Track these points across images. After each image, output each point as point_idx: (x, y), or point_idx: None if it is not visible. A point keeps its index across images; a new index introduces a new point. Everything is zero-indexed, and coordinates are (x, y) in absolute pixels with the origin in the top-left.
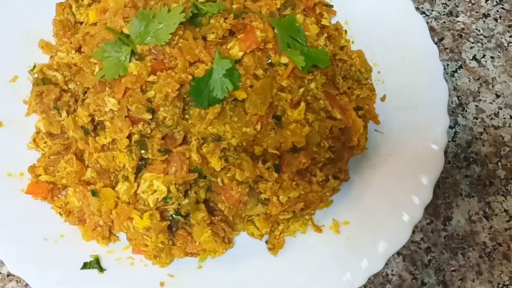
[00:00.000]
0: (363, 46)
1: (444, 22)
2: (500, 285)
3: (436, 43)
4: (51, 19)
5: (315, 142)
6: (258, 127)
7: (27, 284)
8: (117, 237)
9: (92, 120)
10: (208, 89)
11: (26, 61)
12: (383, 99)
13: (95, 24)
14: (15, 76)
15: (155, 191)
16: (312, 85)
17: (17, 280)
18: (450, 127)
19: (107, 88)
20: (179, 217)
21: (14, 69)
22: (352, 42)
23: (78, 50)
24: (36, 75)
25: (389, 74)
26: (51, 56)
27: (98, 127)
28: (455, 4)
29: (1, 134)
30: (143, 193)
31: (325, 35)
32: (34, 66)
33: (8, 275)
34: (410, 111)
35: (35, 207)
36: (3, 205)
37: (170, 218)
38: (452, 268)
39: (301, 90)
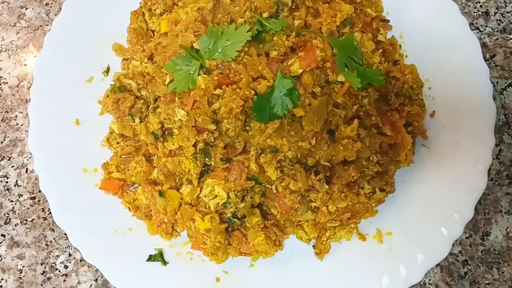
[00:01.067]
0: (416, 61)
1: (497, 39)
2: None
3: (487, 60)
4: (122, 22)
5: (365, 157)
6: (313, 141)
7: (98, 270)
8: (178, 233)
9: (162, 126)
10: (269, 106)
11: (100, 62)
12: (432, 115)
13: (166, 33)
14: (91, 77)
15: (216, 196)
16: (365, 101)
17: (88, 265)
18: (496, 144)
19: (176, 99)
20: (235, 219)
21: (89, 70)
22: (406, 56)
23: (150, 58)
24: (113, 83)
25: (440, 91)
26: (124, 59)
27: (167, 133)
28: (509, 21)
29: (78, 132)
30: (205, 197)
31: (380, 50)
32: (108, 68)
33: (81, 260)
34: (458, 128)
35: (106, 201)
36: (80, 198)
37: (228, 220)
38: (487, 281)
39: (355, 107)
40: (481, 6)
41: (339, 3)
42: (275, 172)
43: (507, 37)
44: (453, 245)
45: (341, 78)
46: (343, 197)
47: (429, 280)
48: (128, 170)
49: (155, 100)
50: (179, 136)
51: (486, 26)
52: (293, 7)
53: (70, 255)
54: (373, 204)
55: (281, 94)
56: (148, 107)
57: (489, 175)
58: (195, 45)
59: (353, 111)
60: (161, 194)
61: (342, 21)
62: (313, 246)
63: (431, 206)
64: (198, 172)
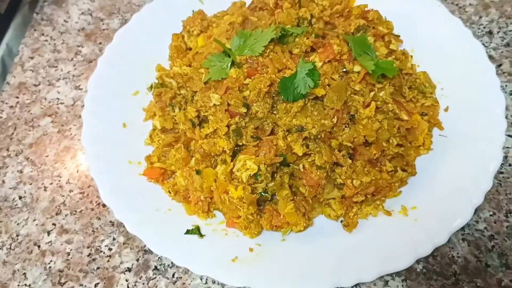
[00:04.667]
0: (428, 69)
1: (502, 52)
2: None
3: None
4: (166, 48)
5: (385, 138)
6: (335, 120)
7: (139, 251)
8: (213, 214)
9: (198, 116)
10: (293, 87)
11: (145, 80)
12: (446, 109)
13: (202, 47)
14: (137, 91)
15: (248, 169)
16: (382, 93)
17: (131, 247)
18: (510, 135)
19: (212, 88)
20: (266, 194)
21: (136, 86)
22: (418, 66)
23: (189, 66)
24: (156, 81)
25: (452, 90)
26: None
27: (202, 123)
28: None
29: (124, 132)
30: (238, 171)
31: (393, 56)
32: (151, 85)
33: (124, 243)
34: (472, 118)
35: (148, 186)
36: (124, 182)
37: (259, 194)
38: None
39: (372, 93)
40: (484, 27)
41: (353, 20)
42: (301, 148)
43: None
44: (477, 222)
45: (357, 68)
46: (366, 172)
47: (457, 253)
48: (168, 160)
49: (192, 97)
50: (213, 120)
51: (491, 43)
52: (312, 22)
53: (114, 239)
54: (396, 184)
55: (303, 75)
56: (186, 102)
57: (507, 161)
58: (227, 45)
59: (370, 98)
60: (198, 172)
61: (356, 28)
62: (341, 221)
63: (453, 182)
64: (232, 148)
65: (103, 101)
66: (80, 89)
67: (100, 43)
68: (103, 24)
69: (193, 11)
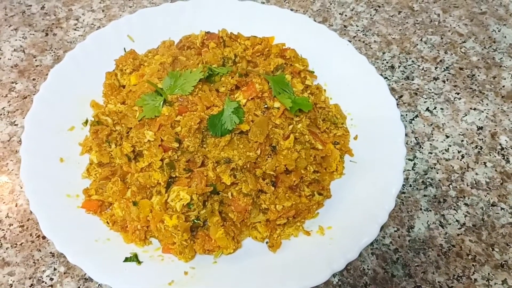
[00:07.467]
0: (339, 101)
1: (403, 84)
2: (455, 276)
3: (396, 99)
4: (99, 84)
5: (303, 166)
6: (258, 151)
7: (80, 279)
8: (150, 241)
9: (133, 151)
10: (221, 123)
11: (80, 116)
12: (355, 138)
13: (135, 85)
14: (72, 126)
15: (181, 199)
16: (299, 126)
17: (71, 276)
18: (410, 159)
19: (146, 126)
20: (199, 221)
21: (71, 122)
22: (331, 99)
23: (123, 103)
24: (92, 119)
25: (360, 120)
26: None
27: (138, 157)
28: (411, 71)
29: (62, 167)
30: (172, 201)
31: (309, 91)
32: (87, 120)
33: (64, 273)
34: (377, 146)
35: (87, 218)
36: (63, 215)
37: (192, 222)
38: (416, 264)
39: (291, 127)
40: (387, 62)
41: (273, 59)
42: (229, 178)
43: (411, 82)
44: (384, 237)
45: (277, 104)
46: (287, 197)
47: (367, 266)
48: (105, 192)
49: (127, 133)
50: (148, 155)
51: (393, 76)
52: (236, 60)
53: (55, 269)
54: (314, 206)
55: (229, 113)
56: (121, 138)
57: (408, 183)
58: (159, 85)
59: (289, 130)
60: (135, 203)
61: (275, 67)
62: (266, 242)
63: (362, 204)
64: (166, 180)
65: (40, 138)
66: (15, 125)
67: (34, 79)
68: (36, 60)
69: (124, 49)
